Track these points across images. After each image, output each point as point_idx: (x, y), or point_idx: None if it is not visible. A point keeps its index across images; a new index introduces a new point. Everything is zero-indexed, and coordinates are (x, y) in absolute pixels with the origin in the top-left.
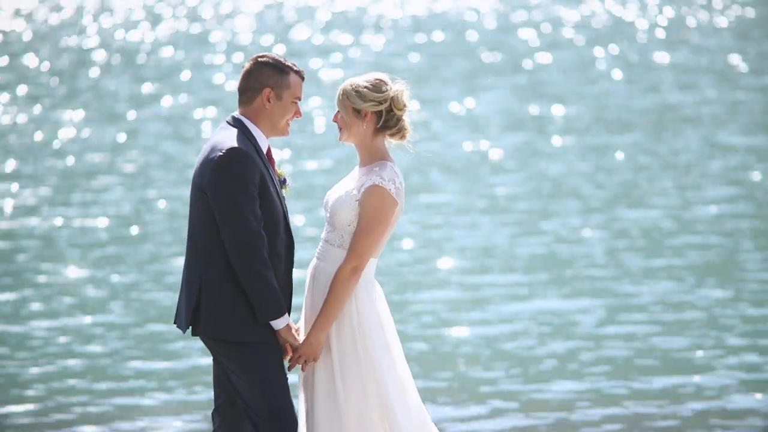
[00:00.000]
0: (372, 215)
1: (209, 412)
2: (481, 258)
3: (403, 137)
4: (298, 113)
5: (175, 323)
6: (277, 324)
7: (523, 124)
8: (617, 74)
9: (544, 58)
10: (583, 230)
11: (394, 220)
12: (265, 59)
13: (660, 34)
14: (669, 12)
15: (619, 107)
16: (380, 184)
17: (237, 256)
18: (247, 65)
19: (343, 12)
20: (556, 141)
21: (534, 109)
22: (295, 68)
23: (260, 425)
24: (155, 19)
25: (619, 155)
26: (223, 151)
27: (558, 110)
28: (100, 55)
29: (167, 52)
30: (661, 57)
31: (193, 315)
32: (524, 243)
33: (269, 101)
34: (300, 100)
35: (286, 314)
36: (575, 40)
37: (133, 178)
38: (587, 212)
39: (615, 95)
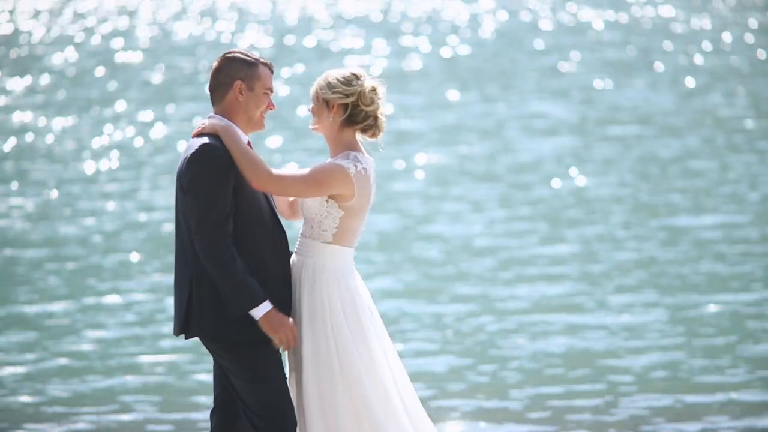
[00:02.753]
0: (315, 172)
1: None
2: (518, 267)
3: (374, 135)
4: (271, 105)
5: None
6: (255, 314)
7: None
8: (661, 78)
9: (577, 60)
10: (621, 238)
11: (358, 208)
12: (232, 54)
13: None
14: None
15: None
16: (337, 162)
17: (200, 251)
18: (215, 63)
19: (356, 14)
20: (596, 146)
21: (569, 114)
22: (262, 61)
23: (259, 424)
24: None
25: (658, 161)
26: (195, 148)
27: (592, 114)
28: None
29: (178, 55)
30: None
31: (185, 317)
32: (557, 250)
33: (242, 94)
34: (271, 92)
35: (264, 302)
36: (603, 41)
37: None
38: (627, 220)
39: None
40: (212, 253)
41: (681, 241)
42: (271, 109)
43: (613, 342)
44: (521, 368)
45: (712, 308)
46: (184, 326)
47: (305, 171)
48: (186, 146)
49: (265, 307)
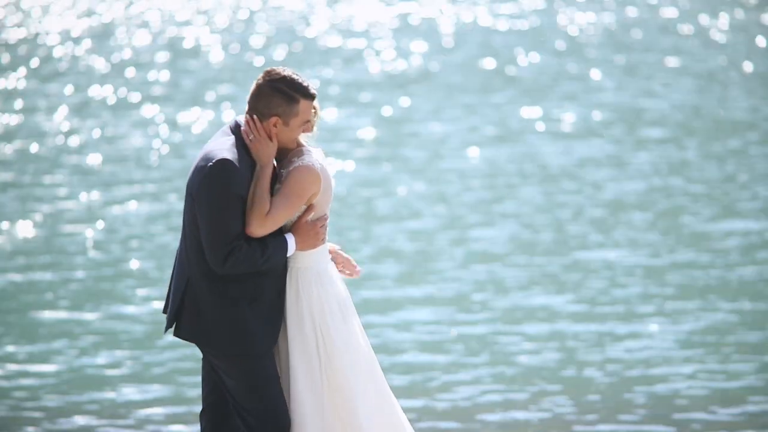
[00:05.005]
0: (293, 187)
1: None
2: (536, 272)
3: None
4: (307, 130)
5: (164, 312)
6: (291, 251)
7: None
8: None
9: (595, 62)
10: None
11: (324, 202)
12: (276, 84)
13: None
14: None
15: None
16: (302, 164)
17: (218, 271)
18: (260, 79)
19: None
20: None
21: (596, 117)
22: (308, 91)
23: (253, 424)
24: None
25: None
26: (212, 162)
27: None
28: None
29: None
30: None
31: (176, 315)
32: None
33: (275, 127)
34: (309, 120)
35: (289, 242)
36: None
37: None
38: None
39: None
40: (232, 269)
41: (712, 247)
42: (306, 132)
43: (644, 352)
44: (548, 377)
45: (748, 316)
46: (173, 322)
47: (283, 195)
48: (201, 153)
49: (291, 241)
